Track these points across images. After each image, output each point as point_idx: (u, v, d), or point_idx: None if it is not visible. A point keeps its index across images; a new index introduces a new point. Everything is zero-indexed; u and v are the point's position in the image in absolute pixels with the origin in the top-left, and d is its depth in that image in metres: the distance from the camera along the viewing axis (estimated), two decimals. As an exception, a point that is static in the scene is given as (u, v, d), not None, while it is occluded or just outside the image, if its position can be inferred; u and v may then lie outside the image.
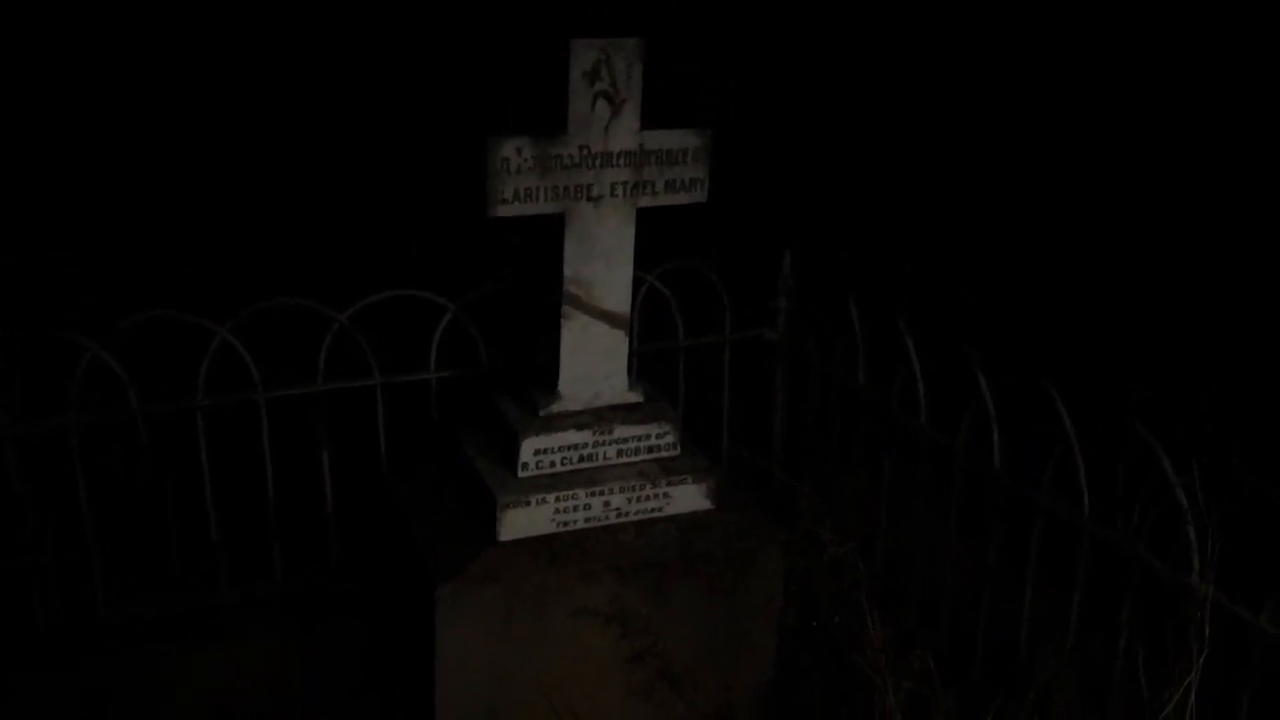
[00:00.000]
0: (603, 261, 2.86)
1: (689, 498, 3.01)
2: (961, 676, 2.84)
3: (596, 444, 2.95)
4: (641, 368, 3.45)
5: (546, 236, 2.85)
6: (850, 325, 3.42)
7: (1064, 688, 2.54)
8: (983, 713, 2.54)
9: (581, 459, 2.95)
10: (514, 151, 2.67)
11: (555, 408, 2.95)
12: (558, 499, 2.89)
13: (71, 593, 3.13)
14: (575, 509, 2.91)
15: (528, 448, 2.89)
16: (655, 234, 2.99)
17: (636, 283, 3.00)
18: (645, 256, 3.02)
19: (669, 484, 2.98)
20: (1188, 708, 2.29)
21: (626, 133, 2.75)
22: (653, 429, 3.00)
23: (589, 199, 2.78)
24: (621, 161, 2.76)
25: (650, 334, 3.57)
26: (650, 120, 2.77)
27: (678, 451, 3.04)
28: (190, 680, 3.12)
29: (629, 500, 2.95)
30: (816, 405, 3.66)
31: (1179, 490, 2.42)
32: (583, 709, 2.89)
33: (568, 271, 2.85)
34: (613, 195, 2.79)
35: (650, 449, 3.01)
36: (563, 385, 2.95)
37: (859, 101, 5.51)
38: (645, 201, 2.83)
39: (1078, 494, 2.69)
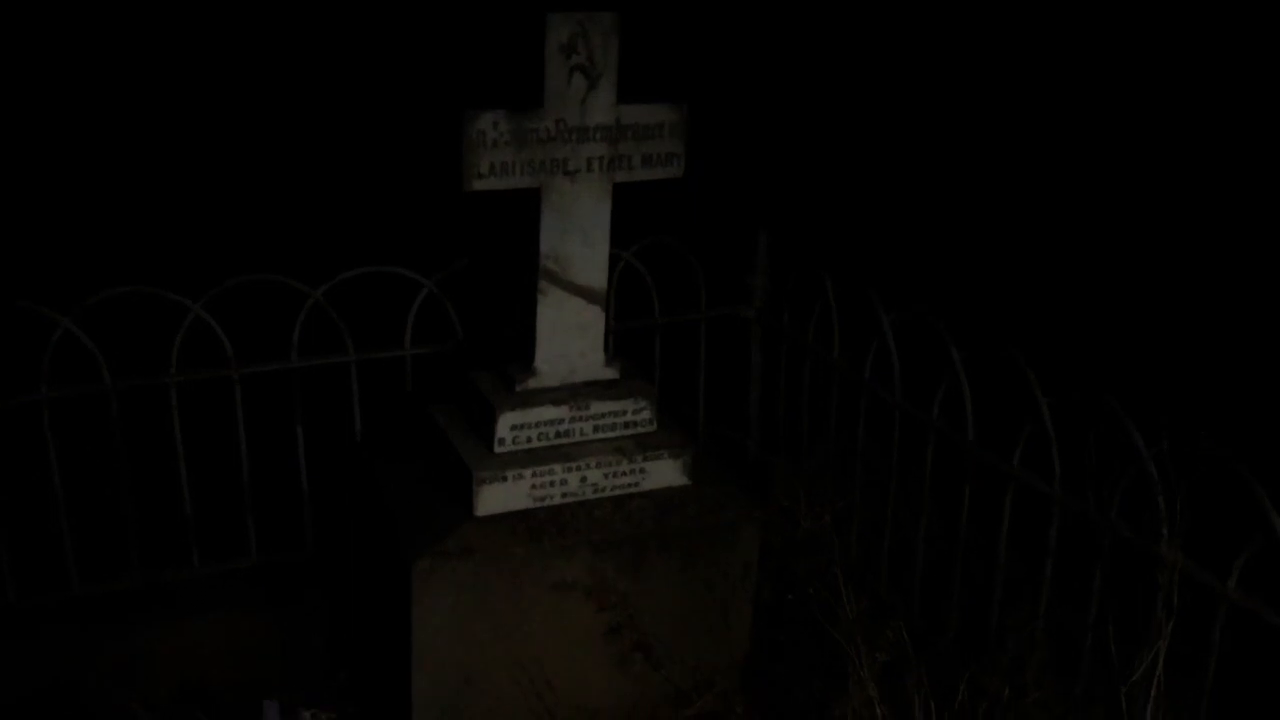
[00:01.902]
0: (579, 237, 2.86)
1: (665, 473, 3.02)
2: (935, 646, 2.87)
3: (573, 420, 2.96)
4: (618, 344, 3.45)
5: (523, 211, 2.84)
6: (825, 301, 3.43)
7: (1036, 656, 2.57)
8: (955, 681, 2.57)
9: (558, 435, 2.96)
10: (490, 125, 2.66)
11: (531, 384, 2.95)
12: (534, 475, 2.89)
13: (44, 567, 3.11)
14: (552, 484, 2.92)
15: (504, 423, 2.89)
16: (631, 210, 2.99)
17: (613, 259, 3.00)
18: (621, 233, 3.03)
19: (645, 460, 2.99)
20: (1156, 674, 2.33)
21: (603, 107, 2.74)
22: (629, 405, 3.00)
23: (565, 173, 2.77)
24: (598, 136, 2.76)
25: (626, 311, 3.57)
26: (626, 94, 2.76)
27: (654, 427, 3.05)
28: (165, 653, 3.11)
29: (605, 476, 2.96)
30: (792, 381, 3.67)
31: (1148, 462, 2.45)
32: (560, 682, 2.91)
33: (544, 247, 2.84)
34: (589, 170, 2.79)
35: (627, 425, 3.02)
36: (539, 361, 2.95)
37: (836, 79, 5.53)
38: (622, 176, 2.83)
39: (1050, 465, 2.72)
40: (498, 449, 2.90)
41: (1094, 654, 2.56)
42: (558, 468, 2.91)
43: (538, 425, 2.93)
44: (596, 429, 2.99)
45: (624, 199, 2.89)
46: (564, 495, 2.93)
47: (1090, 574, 2.61)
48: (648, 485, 3.01)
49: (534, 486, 2.91)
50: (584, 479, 2.94)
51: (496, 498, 2.87)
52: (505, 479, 2.87)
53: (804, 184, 5.14)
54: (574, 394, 2.97)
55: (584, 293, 2.92)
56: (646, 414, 3.03)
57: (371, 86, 4.68)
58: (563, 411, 2.94)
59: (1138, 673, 2.31)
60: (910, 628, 2.67)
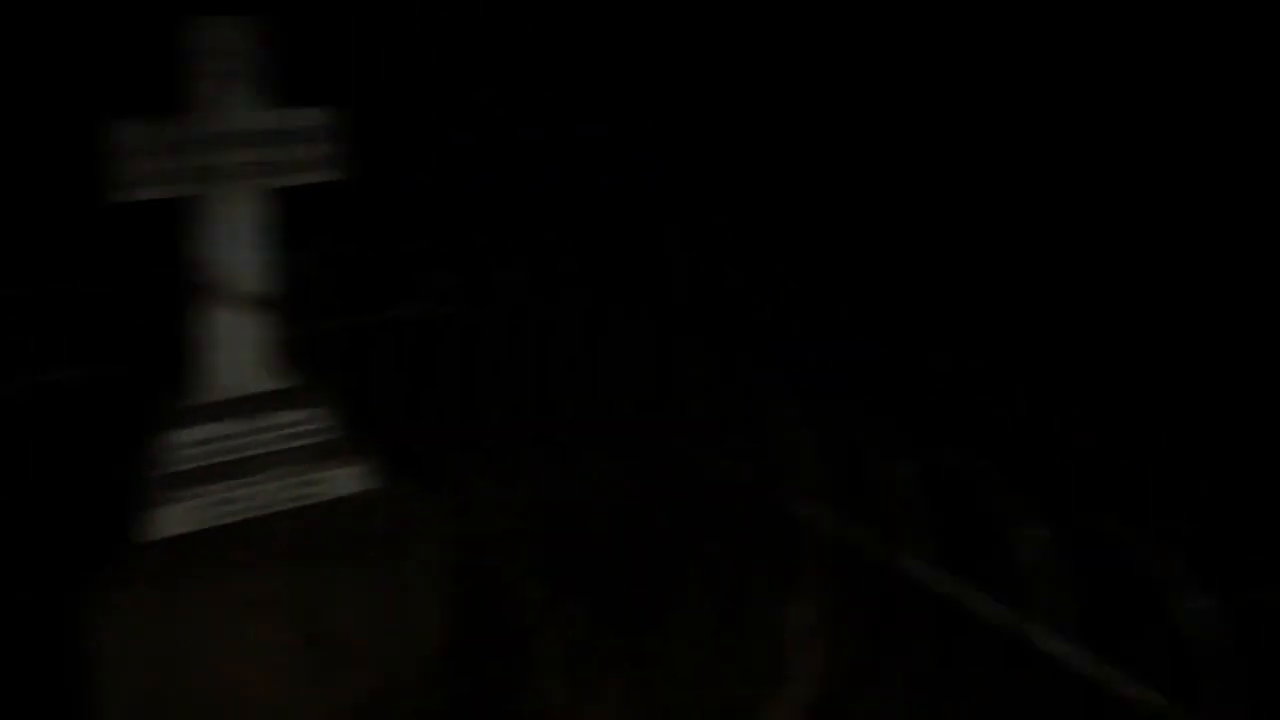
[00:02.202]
0: (238, 244, 2.80)
1: (347, 480, 3.00)
2: (619, 626, 3.00)
3: (247, 433, 2.89)
4: (295, 352, 3.39)
5: (182, 221, 2.76)
6: (506, 298, 3.51)
7: (707, 624, 2.74)
8: (638, 656, 2.70)
9: (232, 449, 2.88)
10: (135, 135, 2.57)
11: (202, 399, 2.86)
12: (210, 492, 2.81)
13: None
14: (230, 500, 2.84)
15: (175, 441, 2.79)
16: (306, 214, 2.95)
17: (284, 265, 2.94)
18: (296, 238, 2.97)
19: (325, 468, 2.96)
20: (811, 629, 2.54)
21: (251, 113, 2.70)
22: (305, 415, 2.97)
23: (217, 180, 2.71)
24: (247, 141, 2.71)
25: (305, 316, 3.51)
26: (277, 99, 2.73)
27: (333, 435, 3.02)
28: None
29: (284, 487, 2.90)
30: (480, 380, 3.73)
31: (788, 430, 2.66)
32: (255, 699, 2.83)
33: (203, 255, 2.77)
34: (240, 176, 2.73)
35: (304, 434, 2.98)
36: (208, 375, 2.86)
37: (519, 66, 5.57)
38: (275, 181, 2.79)
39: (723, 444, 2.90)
40: (170, 469, 2.80)
41: (758, 610, 2.75)
42: (234, 483, 2.84)
43: (211, 441, 2.85)
44: (273, 440, 2.93)
45: (292, 199, 2.84)
46: (241, 510, 2.86)
47: (756, 540, 2.80)
48: (330, 493, 2.98)
49: (211, 504, 2.82)
50: (262, 492, 2.88)
51: (172, 519, 2.77)
52: (180, 499, 2.78)
53: (487, 179, 5.18)
54: (247, 406, 2.90)
55: (249, 301, 2.86)
56: (325, 422, 3.00)
57: (16, 97, 4.38)
58: (236, 425, 2.87)
59: (792, 626, 2.51)
60: (595, 611, 2.78)
